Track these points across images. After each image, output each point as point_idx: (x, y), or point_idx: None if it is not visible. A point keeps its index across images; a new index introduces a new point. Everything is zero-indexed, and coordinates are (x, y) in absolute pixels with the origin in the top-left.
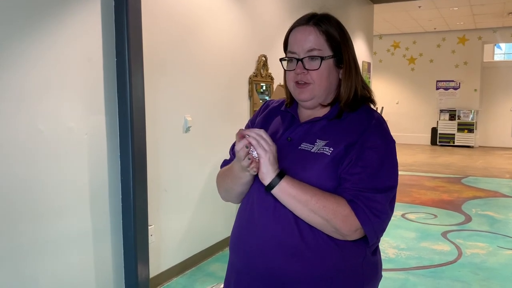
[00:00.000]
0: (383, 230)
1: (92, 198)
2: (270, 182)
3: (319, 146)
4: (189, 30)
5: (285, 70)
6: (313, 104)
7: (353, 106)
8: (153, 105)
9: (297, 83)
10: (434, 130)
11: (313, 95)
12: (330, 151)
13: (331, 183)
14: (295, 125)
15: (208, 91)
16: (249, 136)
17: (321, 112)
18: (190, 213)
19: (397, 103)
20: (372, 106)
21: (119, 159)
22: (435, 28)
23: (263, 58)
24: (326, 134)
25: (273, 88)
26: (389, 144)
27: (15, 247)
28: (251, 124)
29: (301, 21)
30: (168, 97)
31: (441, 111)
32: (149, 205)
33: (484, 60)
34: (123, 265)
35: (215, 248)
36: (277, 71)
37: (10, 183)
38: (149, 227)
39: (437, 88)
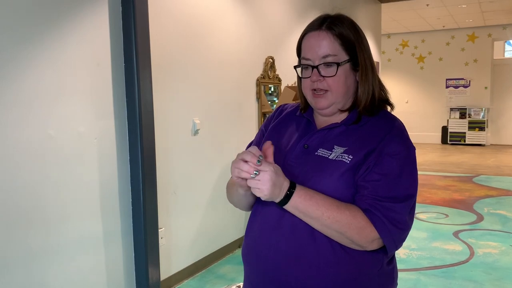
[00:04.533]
0: (403, 240)
1: (102, 202)
2: (279, 202)
3: (337, 153)
4: (196, 33)
5: (300, 77)
6: (331, 112)
7: (372, 110)
8: (162, 108)
9: (314, 91)
10: (444, 129)
11: (331, 103)
12: (350, 159)
13: (349, 191)
14: (311, 131)
15: (216, 94)
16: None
17: (339, 117)
18: (200, 215)
19: (406, 102)
20: (389, 109)
21: (129, 162)
22: (443, 26)
23: (271, 60)
24: (344, 141)
25: (281, 89)
26: (409, 151)
27: (27, 252)
28: (264, 129)
29: (314, 25)
30: (176, 100)
31: (452, 109)
32: (159, 208)
33: (495, 57)
34: (134, 268)
35: (225, 250)
36: (284, 73)
37: (21, 188)
38: (159, 230)
39: (447, 87)
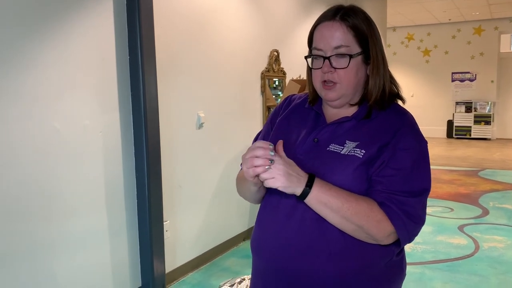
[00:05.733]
0: (416, 234)
1: (108, 195)
2: (301, 194)
3: (349, 147)
4: (200, 26)
5: (310, 68)
6: (340, 104)
7: (383, 104)
8: (166, 102)
9: (324, 82)
10: (450, 123)
11: (340, 95)
12: (362, 153)
13: (362, 186)
14: (321, 125)
15: (221, 87)
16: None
17: (349, 111)
18: (205, 209)
19: (412, 96)
20: (401, 103)
21: (134, 156)
22: (449, 19)
23: (275, 53)
24: (356, 135)
25: (285, 83)
26: (422, 145)
27: (33, 245)
28: (272, 121)
29: (327, 15)
30: (180, 94)
31: (457, 103)
32: (164, 201)
33: (501, 51)
34: (139, 261)
35: (230, 243)
36: (289, 66)
37: (27, 182)
38: (164, 223)
39: (453, 80)
